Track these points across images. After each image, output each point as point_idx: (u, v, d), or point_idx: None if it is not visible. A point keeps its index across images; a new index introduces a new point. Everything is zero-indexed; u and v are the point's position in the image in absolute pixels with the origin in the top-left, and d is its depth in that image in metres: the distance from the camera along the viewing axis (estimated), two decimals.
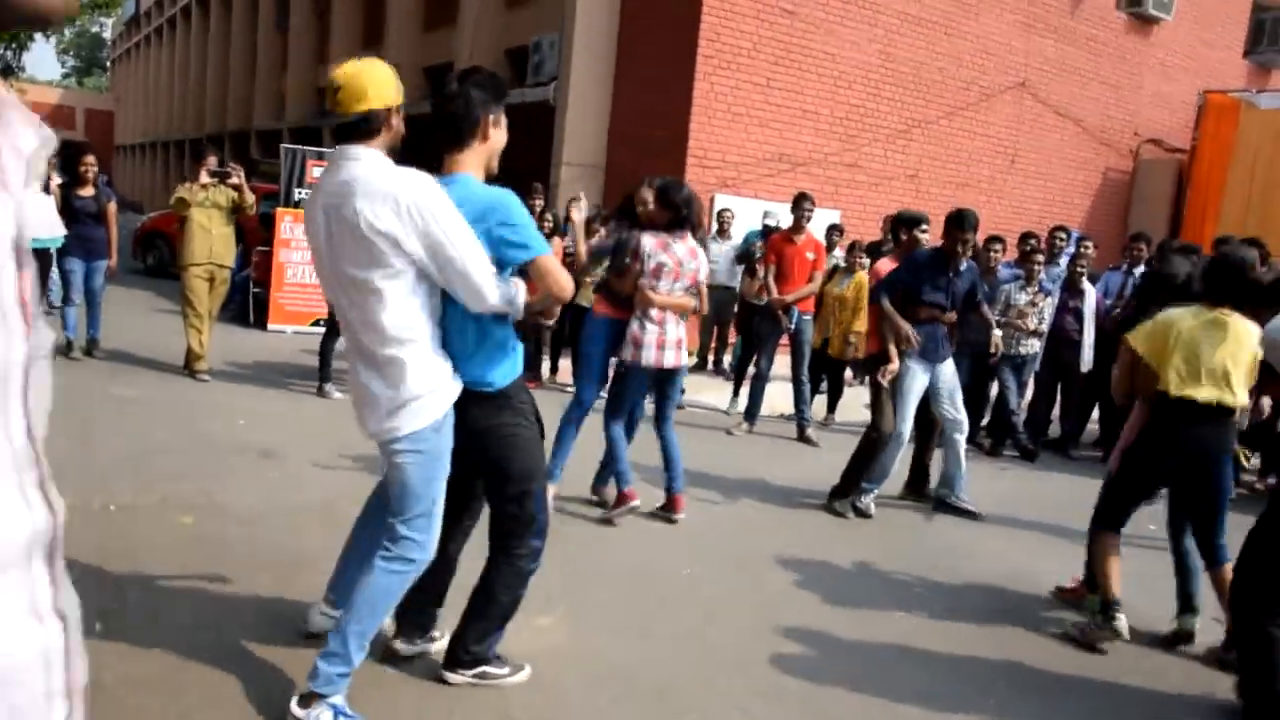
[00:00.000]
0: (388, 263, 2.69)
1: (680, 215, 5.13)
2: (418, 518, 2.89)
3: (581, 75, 12.35)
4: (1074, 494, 7.36)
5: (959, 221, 5.82)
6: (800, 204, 7.94)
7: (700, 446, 7.19)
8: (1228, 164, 14.63)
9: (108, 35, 65.53)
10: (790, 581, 4.75)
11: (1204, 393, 4.07)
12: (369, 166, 2.73)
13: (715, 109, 11.60)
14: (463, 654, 3.19)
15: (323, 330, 8.25)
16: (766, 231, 10.53)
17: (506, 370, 2.99)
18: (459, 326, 2.90)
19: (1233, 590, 3.68)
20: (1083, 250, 8.71)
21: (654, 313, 5.10)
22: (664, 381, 5.35)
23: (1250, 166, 14.43)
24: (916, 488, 6.53)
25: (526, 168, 12.87)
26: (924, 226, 6.35)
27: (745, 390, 8.73)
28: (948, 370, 6.11)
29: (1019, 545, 5.84)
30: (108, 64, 65.94)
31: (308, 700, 2.82)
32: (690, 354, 6.52)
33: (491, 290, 2.75)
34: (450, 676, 3.22)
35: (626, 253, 5.22)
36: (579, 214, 5.41)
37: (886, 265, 6.39)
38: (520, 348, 3.09)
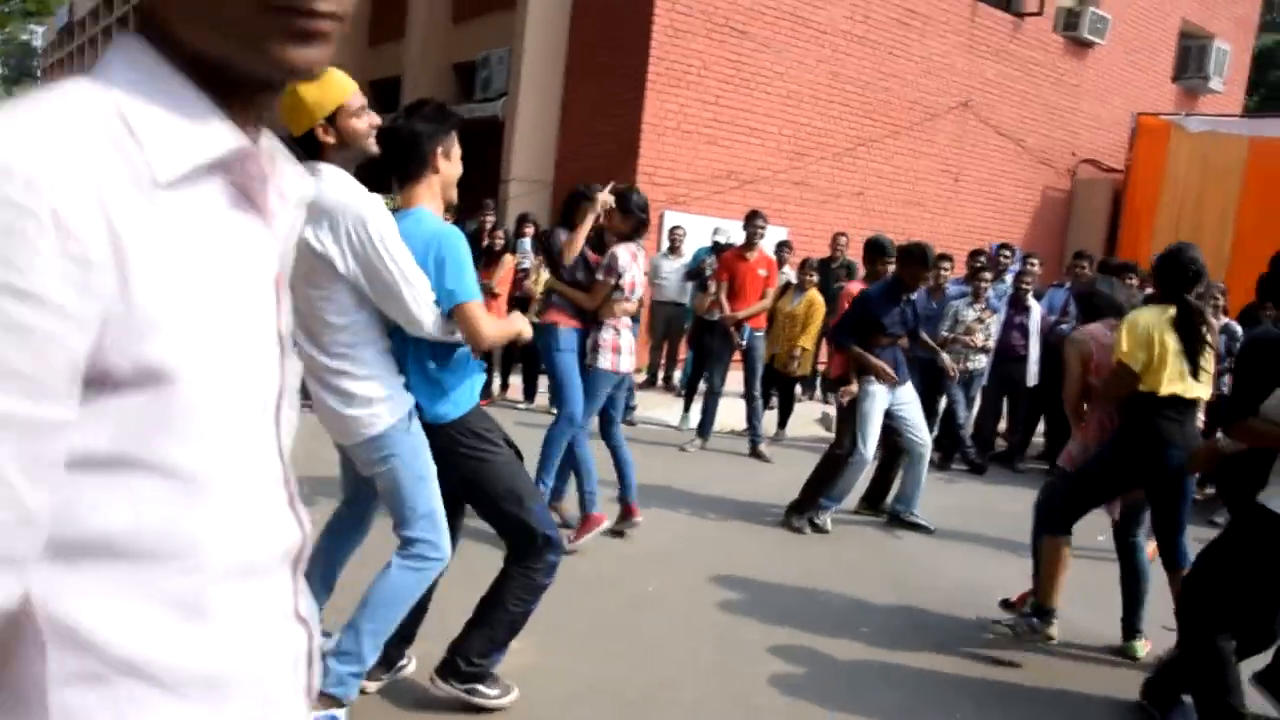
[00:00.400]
0: (321, 283, 2.72)
1: (641, 221, 5.20)
2: (421, 519, 2.90)
3: (531, 91, 12.34)
4: (1024, 506, 7.48)
5: (922, 260, 5.96)
6: (752, 221, 8.01)
7: (654, 463, 7.19)
8: (1160, 184, 15.05)
9: (38, 44, 64.06)
10: (754, 596, 4.77)
11: (1181, 387, 4.15)
12: (325, 184, 2.71)
13: (665, 127, 11.66)
14: (462, 664, 3.14)
15: None
16: (717, 248, 10.60)
17: (456, 402, 2.99)
18: (404, 362, 2.93)
19: (1183, 603, 3.75)
20: (1028, 267, 8.90)
21: (616, 320, 5.19)
22: (617, 387, 5.40)
23: (1181, 186, 14.86)
24: (873, 503, 6.60)
25: (474, 184, 12.82)
26: (890, 258, 6.44)
27: (697, 406, 8.76)
28: (907, 393, 6.20)
29: (975, 559, 5.93)
30: (38, 73, 64.43)
31: (318, 701, 2.78)
32: (639, 370, 6.57)
33: (427, 315, 2.77)
34: (440, 684, 3.17)
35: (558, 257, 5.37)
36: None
37: (858, 287, 6.54)
38: (479, 377, 3.09)
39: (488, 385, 9.24)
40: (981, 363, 8.43)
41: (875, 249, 6.68)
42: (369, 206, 2.73)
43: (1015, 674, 4.20)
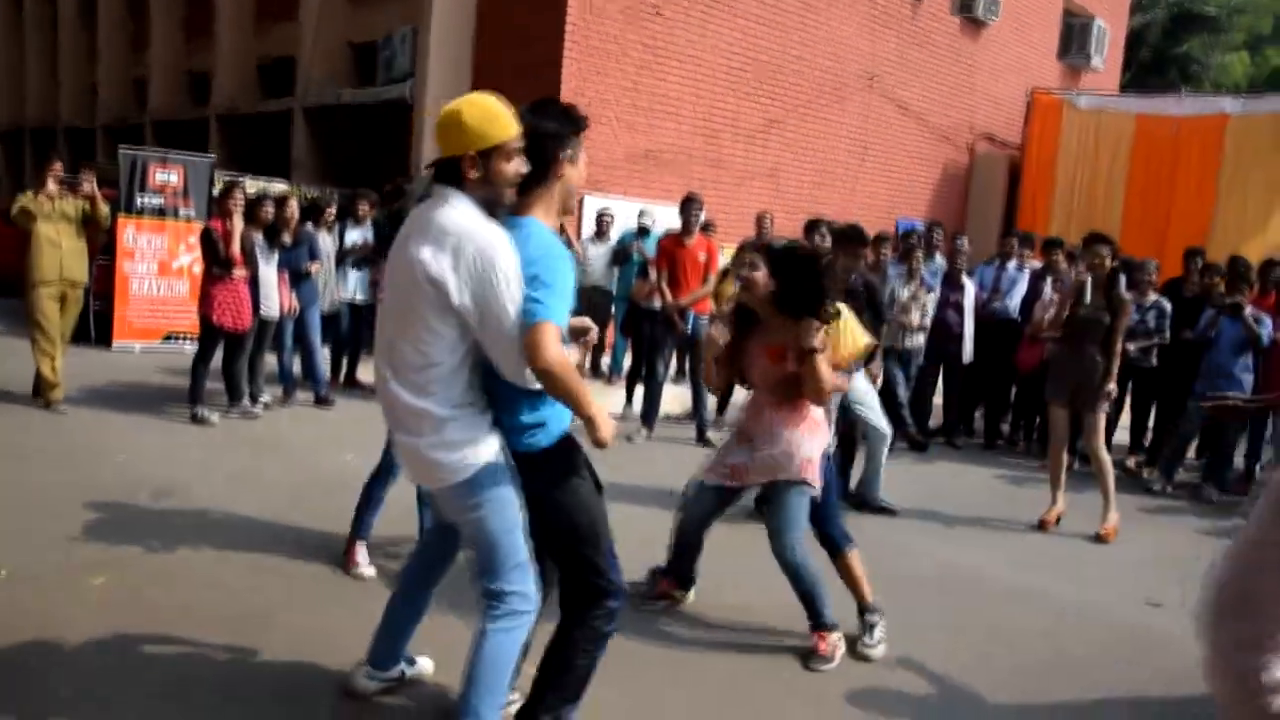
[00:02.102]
0: (427, 312, 2.54)
1: None
2: (513, 570, 2.68)
3: (439, 73, 11.91)
4: (968, 482, 7.61)
5: (861, 239, 5.96)
6: (688, 206, 7.89)
7: (600, 455, 7.01)
8: (1054, 159, 15.51)
9: None
10: (734, 592, 4.63)
11: None
12: (450, 211, 2.56)
13: (583, 104, 11.37)
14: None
15: (184, 347, 7.64)
16: (641, 231, 10.45)
17: (549, 429, 2.78)
18: (494, 385, 2.71)
19: None
20: (959, 246, 9.01)
21: None
22: None
23: (1074, 161, 15.35)
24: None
25: (383, 171, 12.37)
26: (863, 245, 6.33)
27: (639, 395, 8.62)
28: (860, 381, 6.17)
29: (946, 540, 5.93)
30: None
31: None
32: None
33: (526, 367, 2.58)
34: None
35: None
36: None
37: None
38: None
39: (338, 371, 9.05)
40: (919, 341, 8.49)
41: (842, 238, 6.45)
42: (498, 239, 2.54)
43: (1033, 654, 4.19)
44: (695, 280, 7.90)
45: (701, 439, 8.05)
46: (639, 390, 8.64)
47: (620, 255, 10.58)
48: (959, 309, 8.60)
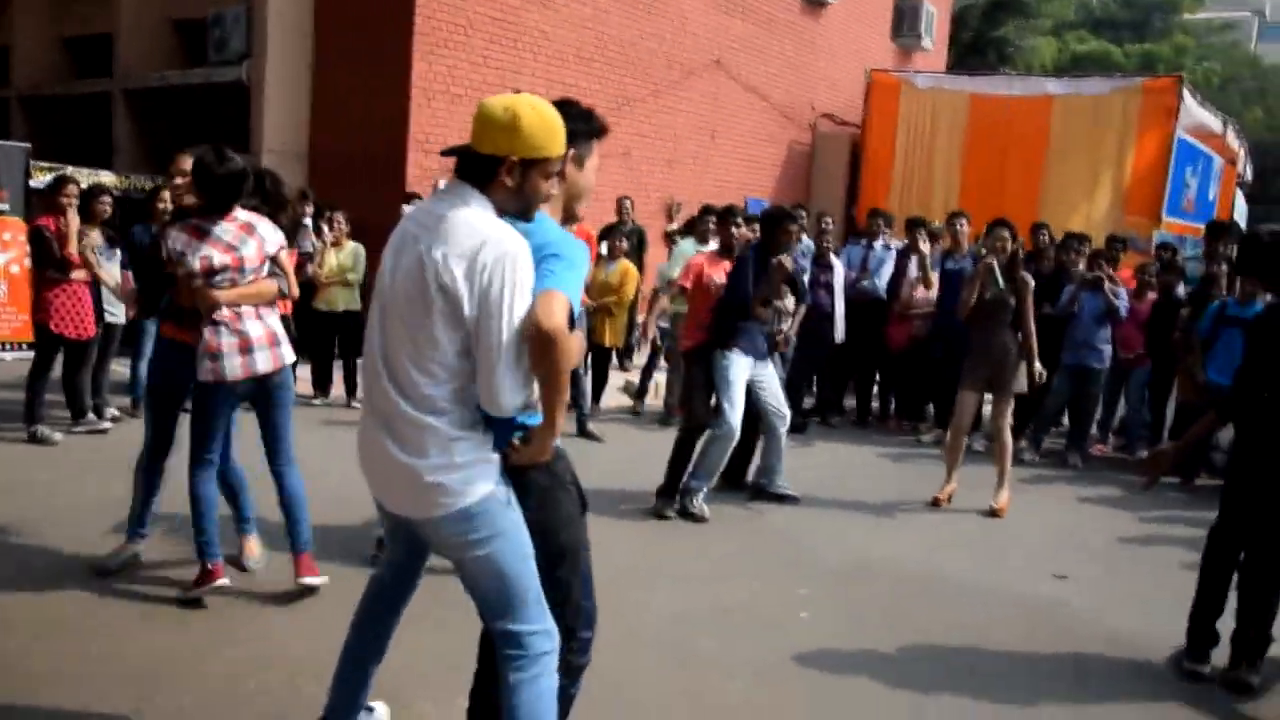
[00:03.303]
0: (439, 322, 2.29)
1: (221, 196, 4.00)
2: (531, 605, 2.42)
3: (278, 52, 11.19)
4: (853, 463, 7.71)
5: (790, 219, 5.97)
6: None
7: None
8: (894, 138, 15.94)
9: None
10: (667, 598, 4.50)
11: None
12: (468, 213, 2.31)
13: (435, 90, 10.95)
14: None
15: (3, 356, 6.90)
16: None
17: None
18: None
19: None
20: (824, 226, 9.11)
21: (225, 312, 3.96)
22: (264, 398, 4.14)
23: (913, 140, 15.82)
24: (733, 479, 6.47)
25: None
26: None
27: None
28: (768, 366, 6.14)
29: (851, 525, 5.93)
30: None
31: None
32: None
33: (510, 399, 2.31)
34: None
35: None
36: None
37: (703, 258, 6.43)
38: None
39: None
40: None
41: (771, 220, 6.27)
42: (522, 251, 2.29)
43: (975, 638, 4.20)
44: None
45: (584, 432, 7.85)
46: None
47: None
48: (829, 289, 8.68)
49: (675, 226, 12.33)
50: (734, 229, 6.50)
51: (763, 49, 15.77)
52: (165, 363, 4.23)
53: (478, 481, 2.35)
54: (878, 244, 9.21)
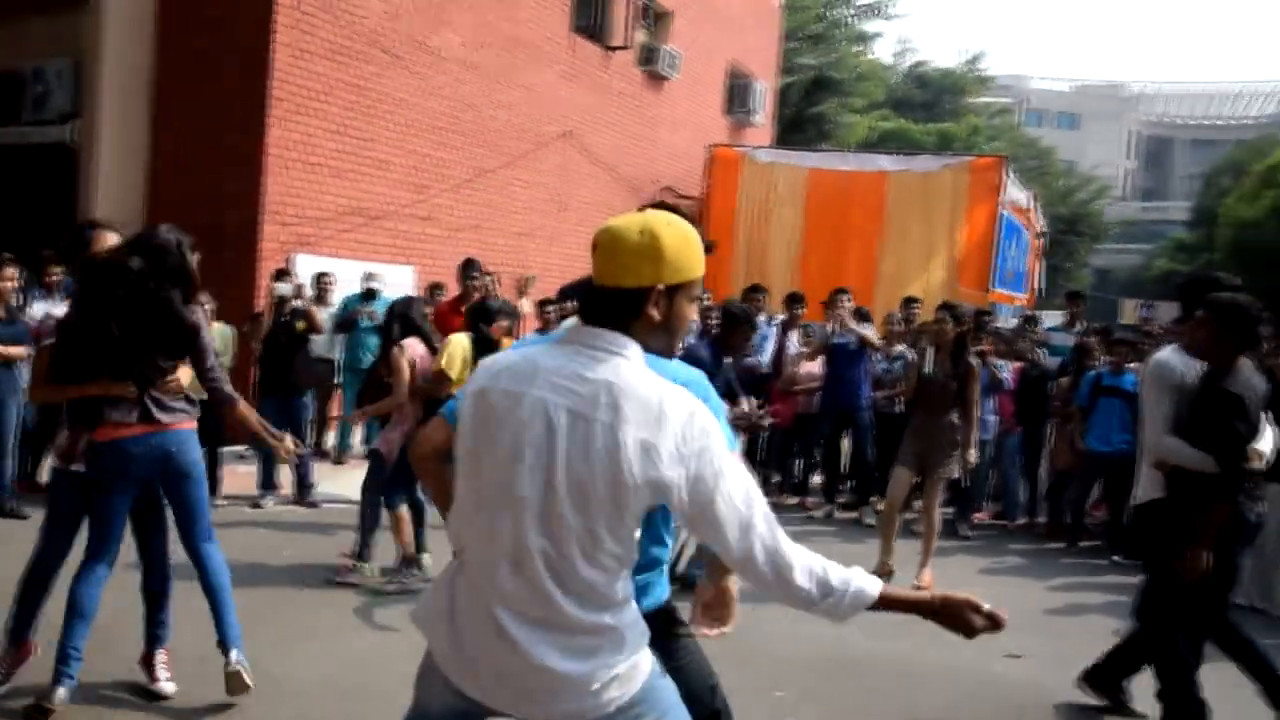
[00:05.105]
0: (633, 513, 1.93)
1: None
2: None
3: (112, 112, 10.33)
4: None
5: (749, 322, 5.95)
6: (469, 271, 7.34)
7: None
8: (735, 209, 16.29)
9: None
10: None
11: None
12: (634, 371, 1.95)
13: (290, 158, 10.34)
14: None
15: None
16: (368, 295, 9.68)
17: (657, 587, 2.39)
18: None
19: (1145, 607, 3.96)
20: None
21: None
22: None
23: (754, 212, 16.21)
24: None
25: (42, 227, 10.51)
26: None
27: None
28: None
29: (786, 610, 5.77)
30: None
31: None
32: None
33: (803, 576, 1.97)
34: None
35: None
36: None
37: None
38: None
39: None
40: None
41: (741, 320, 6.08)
42: (698, 404, 1.96)
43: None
44: None
45: None
46: None
47: (346, 323, 9.71)
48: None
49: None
50: None
51: (610, 122, 15.87)
52: None
53: (641, 660, 2.05)
54: (760, 319, 9.25)
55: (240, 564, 4.43)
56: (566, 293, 7.99)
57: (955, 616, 2.02)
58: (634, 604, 2.06)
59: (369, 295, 9.65)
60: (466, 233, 13.07)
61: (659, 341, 2.05)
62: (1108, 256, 45.00)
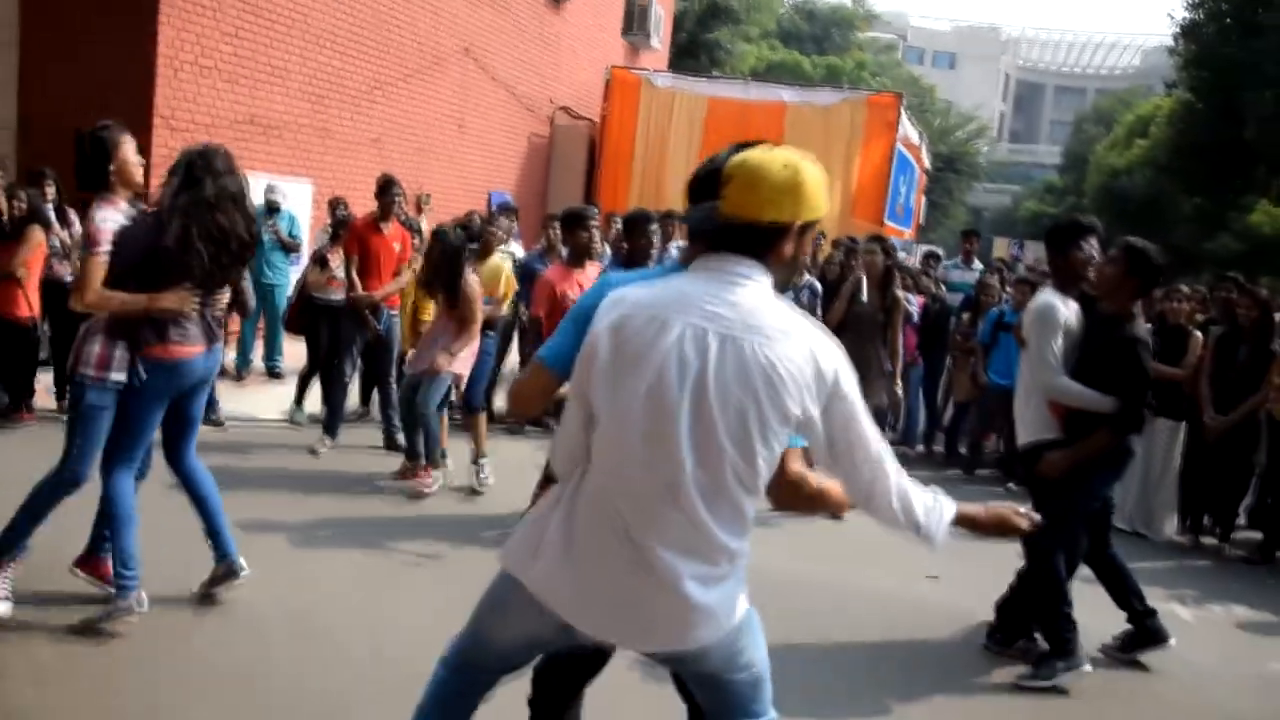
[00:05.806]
0: (781, 432, 1.98)
1: None
2: (769, 690, 2.27)
3: None
4: None
5: (649, 218, 5.61)
6: (389, 190, 7.11)
7: (274, 476, 6.24)
8: (633, 134, 16.20)
9: None
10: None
11: None
12: (772, 301, 1.99)
13: (182, 61, 9.76)
14: None
15: None
16: (271, 209, 9.27)
17: None
18: None
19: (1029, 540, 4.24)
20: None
21: None
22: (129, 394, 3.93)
23: (651, 136, 16.15)
24: None
25: None
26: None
27: (312, 398, 7.69)
28: None
29: None
30: None
31: None
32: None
33: (918, 502, 2.19)
34: None
35: None
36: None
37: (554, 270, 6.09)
38: None
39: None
40: None
41: (578, 218, 6.07)
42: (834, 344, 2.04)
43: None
44: (389, 272, 7.12)
45: (391, 445, 7.27)
46: (313, 392, 7.69)
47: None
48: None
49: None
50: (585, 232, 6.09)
51: (509, 40, 15.50)
52: None
53: (745, 589, 2.18)
54: (672, 246, 9.26)
55: (150, 487, 4.28)
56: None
57: (1003, 521, 2.29)
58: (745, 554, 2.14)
59: (272, 209, 9.26)
60: (365, 147, 12.66)
61: (781, 274, 2.07)
62: (980, 195, 46.65)
